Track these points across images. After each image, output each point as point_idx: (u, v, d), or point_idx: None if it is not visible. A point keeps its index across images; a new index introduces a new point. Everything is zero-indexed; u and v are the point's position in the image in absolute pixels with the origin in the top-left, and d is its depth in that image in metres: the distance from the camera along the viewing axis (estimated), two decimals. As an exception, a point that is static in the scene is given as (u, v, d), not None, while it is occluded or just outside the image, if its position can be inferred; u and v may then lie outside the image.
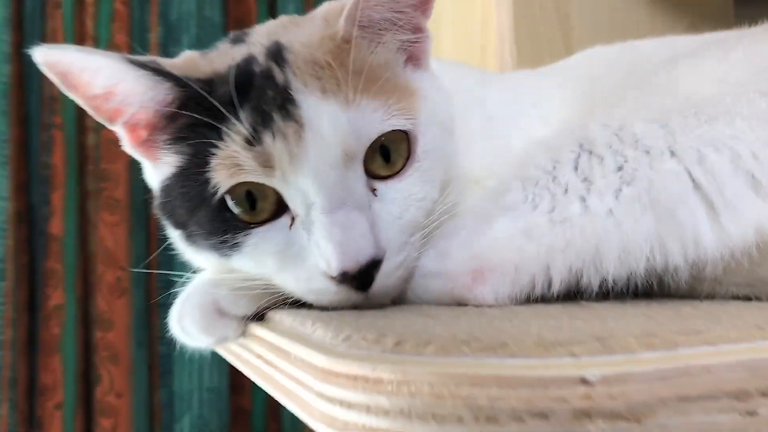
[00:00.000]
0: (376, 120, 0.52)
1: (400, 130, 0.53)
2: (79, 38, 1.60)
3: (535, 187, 0.56)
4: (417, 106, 0.55)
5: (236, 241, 0.53)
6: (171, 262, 1.67)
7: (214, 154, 0.51)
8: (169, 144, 0.55)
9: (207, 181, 0.51)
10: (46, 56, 0.51)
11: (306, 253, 0.51)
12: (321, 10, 0.61)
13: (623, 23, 1.01)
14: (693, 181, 0.50)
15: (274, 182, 0.51)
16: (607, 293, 0.51)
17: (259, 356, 0.47)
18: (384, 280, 0.51)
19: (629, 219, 0.51)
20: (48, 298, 1.53)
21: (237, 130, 0.50)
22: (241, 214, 0.52)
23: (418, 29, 0.59)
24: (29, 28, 1.59)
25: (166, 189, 0.56)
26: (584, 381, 0.31)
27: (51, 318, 1.52)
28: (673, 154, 0.52)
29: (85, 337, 1.57)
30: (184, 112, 0.52)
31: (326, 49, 0.53)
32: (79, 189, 1.59)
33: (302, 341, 0.41)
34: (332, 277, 0.49)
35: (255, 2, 1.76)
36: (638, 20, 1.01)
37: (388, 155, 0.53)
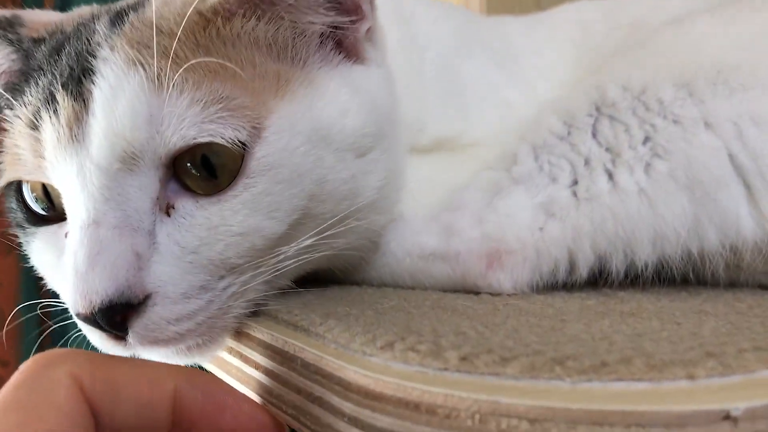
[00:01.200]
0: (190, 120, 0.37)
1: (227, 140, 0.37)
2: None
3: (550, 155, 0.49)
4: (275, 105, 0.39)
5: (26, 239, 0.44)
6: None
7: (8, 128, 0.41)
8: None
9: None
10: None
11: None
12: None
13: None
14: (732, 159, 0.45)
15: (48, 175, 0.40)
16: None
17: (245, 358, 0.37)
18: (145, 331, 0.36)
19: (663, 199, 0.45)
20: None
21: (23, 106, 0.41)
22: (37, 209, 0.42)
23: (349, 8, 0.45)
24: None
25: None
26: (728, 417, 0.24)
27: None
28: (708, 126, 0.46)
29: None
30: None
31: (178, 13, 0.40)
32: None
33: (312, 343, 0.32)
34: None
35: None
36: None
37: (212, 168, 0.38)
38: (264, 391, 0.35)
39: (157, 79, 0.37)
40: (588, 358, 0.26)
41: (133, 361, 0.31)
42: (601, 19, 0.69)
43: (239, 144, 0.37)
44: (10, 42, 0.46)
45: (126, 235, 0.36)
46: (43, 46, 0.44)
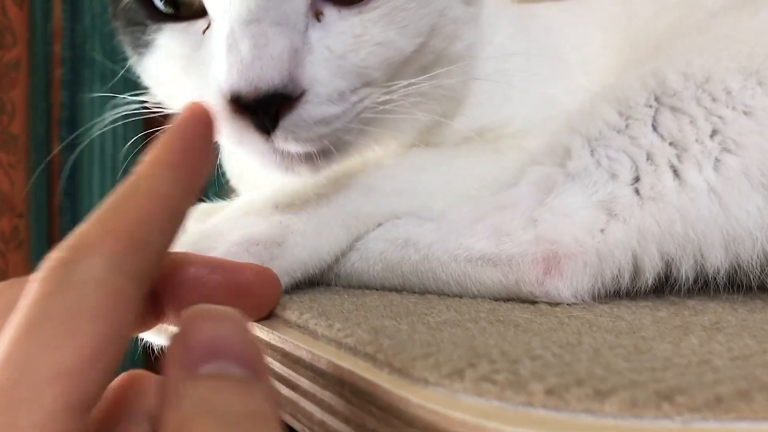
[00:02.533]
0: None
1: None
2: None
3: (607, 149, 0.45)
4: None
5: (148, 37, 0.44)
6: (76, 208, 1.47)
7: None
8: None
9: None
10: None
11: (210, 62, 0.40)
12: None
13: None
14: (811, 154, 0.41)
15: None
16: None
17: (285, 380, 0.33)
18: (294, 127, 0.39)
19: (736, 198, 0.41)
20: (-74, 248, 1.29)
21: None
22: (161, 7, 0.43)
23: None
24: None
25: None
26: None
27: (-70, 272, 1.29)
28: (784, 117, 0.42)
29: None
30: None
31: None
32: (-34, 120, 1.34)
33: (361, 366, 0.28)
34: (226, 99, 0.38)
35: None
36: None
37: None
38: (304, 416, 0.31)
39: None
40: (698, 391, 0.22)
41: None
42: (649, 10, 0.65)
43: None
44: None
45: (286, 32, 0.38)
46: None
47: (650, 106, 0.46)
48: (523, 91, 0.55)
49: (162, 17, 0.44)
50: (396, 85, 0.42)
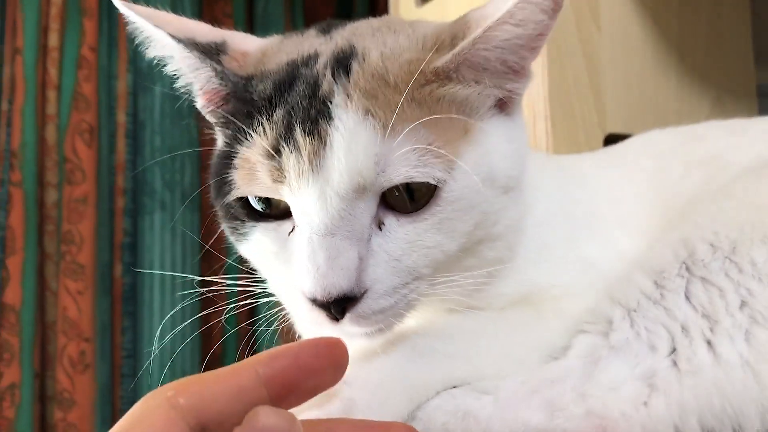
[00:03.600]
0: (407, 163, 0.45)
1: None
2: (41, 87, 1.47)
3: (645, 321, 0.49)
4: (462, 150, 0.48)
5: (245, 230, 0.52)
6: (136, 327, 1.54)
7: (239, 150, 0.49)
8: (221, 121, 0.54)
9: (230, 173, 0.50)
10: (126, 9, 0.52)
11: (294, 261, 0.48)
12: (425, 27, 0.53)
13: (653, 98, 0.98)
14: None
15: (283, 194, 0.48)
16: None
17: None
18: (357, 318, 0.46)
19: (768, 370, 0.44)
20: (1, 375, 1.37)
21: (259, 137, 0.48)
22: (258, 208, 0.51)
23: (521, 73, 0.51)
24: (-15, 75, 1.45)
25: (213, 164, 0.55)
26: None
27: (4, 398, 1.36)
28: (806, 291, 0.46)
29: (42, 418, 1.41)
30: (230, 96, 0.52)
31: (405, 72, 0.48)
32: (39, 253, 1.44)
33: None
34: (305, 297, 0.46)
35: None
36: (667, 95, 0.98)
37: (411, 191, 0.47)
38: None
39: (383, 127, 0.45)
40: None
41: (217, 370, 0.37)
42: (678, 154, 0.68)
43: (441, 181, 0.46)
44: (214, 69, 0.52)
45: (354, 244, 0.45)
46: (259, 83, 0.51)
47: (682, 277, 0.50)
48: (564, 257, 0.60)
49: (258, 216, 0.51)
50: (441, 278, 0.49)
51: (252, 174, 0.49)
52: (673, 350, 0.47)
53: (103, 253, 1.51)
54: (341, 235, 0.45)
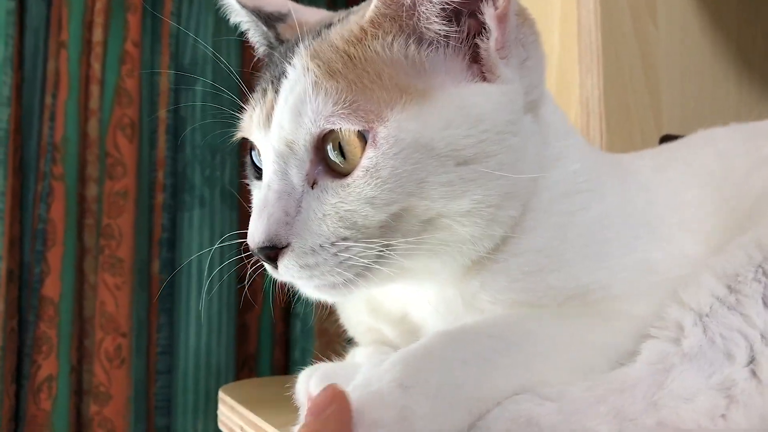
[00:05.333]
0: (325, 120, 0.47)
1: (358, 131, 0.47)
2: (84, 81, 1.47)
3: (721, 327, 0.45)
4: (387, 112, 0.47)
5: (253, 190, 0.56)
6: (173, 325, 1.54)
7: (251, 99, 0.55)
8: None
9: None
10: None
11: None
12: None
13: (711, 97, 0.94)
14: None
15: (255, 143, 0.53)
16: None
17: None
18: (285, 269, 0.49)
19: None
20: (38, 367, 1.37)
21: (256, 90, 0.54)
22: (255, 160, 0.55)
23: (474, 28, 0.50)
24: (30, 69, 1.46)
25: None
26: None
27: (41, 390, 1.37)
28: None
29: (78, 411, 1.41)
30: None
31: (346, 30, 0.50)
32: (78, 247, 1.45)
33: None
34: None
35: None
36: (726, 94, 0.95)
37: (344, 152, 0.48)
38: None
39: (315, 84, 0.47)
40: None
41: None
42: (742, 152, 0.65)
43: (356, 134, 0.47)
44: (263, 34, 0.60)
45: (283, 198, 0.48)
46: (281, 47, 0.56)
47: (759, 281, 0.47)
48: (624, 257, 0.57)
49: (258, 174, 0.55)
50: (379, 241, 0.48)
51: (246, 121, 0.54)
52: (752, 359, 0.44)
53: (142, 248, 1.51)
54: (275, 189, 0.48)
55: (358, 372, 0.50)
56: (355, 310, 0.66)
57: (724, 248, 0.53)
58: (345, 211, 0.47)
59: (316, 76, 0.47)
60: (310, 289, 0.51)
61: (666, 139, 0.91)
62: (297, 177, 0.48)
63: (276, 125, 0.49)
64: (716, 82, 0.96)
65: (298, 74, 0.49)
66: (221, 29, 1.62)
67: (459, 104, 0.49)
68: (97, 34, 1.49)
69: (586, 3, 0.87)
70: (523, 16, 0.53)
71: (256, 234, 0.48)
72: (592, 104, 0.85)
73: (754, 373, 0.43)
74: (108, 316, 1.42)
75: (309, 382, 0.55)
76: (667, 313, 0.49)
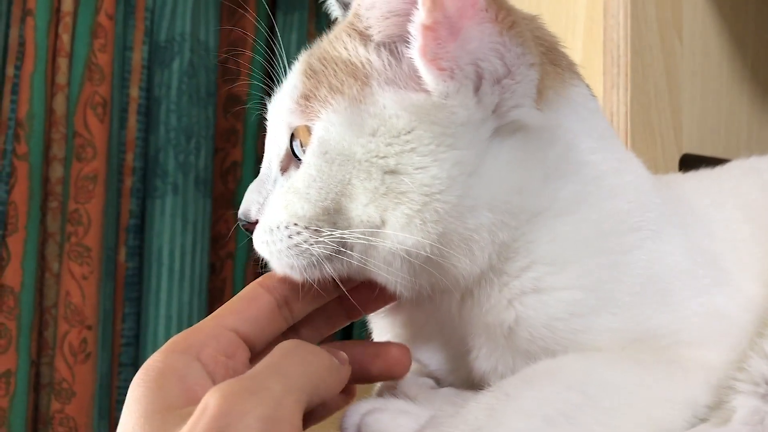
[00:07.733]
0: (287, 114, 0.51)
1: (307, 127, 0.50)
2: (52, 53, 1.36)
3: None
4: (323, 113, 0.48)
5: None
6: (139, 313, 1.47)
7: None
8: None
9: None
10: None
11: None
12: None
13: (727, 116, 0.94)
14: None
15: None
16: None
17: None
18: (256, 241, 0.52)
19: None
20: (-6, 361, 1.28)
21: None
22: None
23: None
24: (-9, 37, 1.34)
25: None
26: None
27: (-3, 386, 1.28)
28: None
29: (36, 408, 1.33)
30: None
31: (335, 32, 0.52)
32: (41, 232, 1.35)
33: None
34: None
35: (253, 27, 1.57)
36: (740, 115, 0.94)
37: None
38: None
39: (295, 78, 0.51)
40: None
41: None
42: None
43: (306, 129, 0.49)
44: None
45: (261, 182, 0.53)
46: None
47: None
48: (689, 298, 0.54)
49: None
50: (327, 231, 0.49)
51: None
52: None
53: (109, 235, 1.42)
54: (261, 171, 0.53)
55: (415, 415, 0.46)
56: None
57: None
58: (287, 200, 0.50)
59: (299, 71, 0.51)
60: (275, 265, 0.52)
61: (687, 158, 0.89)
62: (273, 162, 0.53)
63: (272, 116, 0.53)
64: (732, 102, 0.95)
65: (295, 67, 0.52)
66: (200, 5, 1.53)
67: (389, 112, 0.47)
68: (67, 4, 1.37)
69: (614, 13, 0.84)
70: (506, 24, 0.46)
71: (240, 208, 0.53)
72: (617, 120, 0.82)
73: None
74: (73, 308, 1.33)
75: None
76: (750, 366, 0.47)
